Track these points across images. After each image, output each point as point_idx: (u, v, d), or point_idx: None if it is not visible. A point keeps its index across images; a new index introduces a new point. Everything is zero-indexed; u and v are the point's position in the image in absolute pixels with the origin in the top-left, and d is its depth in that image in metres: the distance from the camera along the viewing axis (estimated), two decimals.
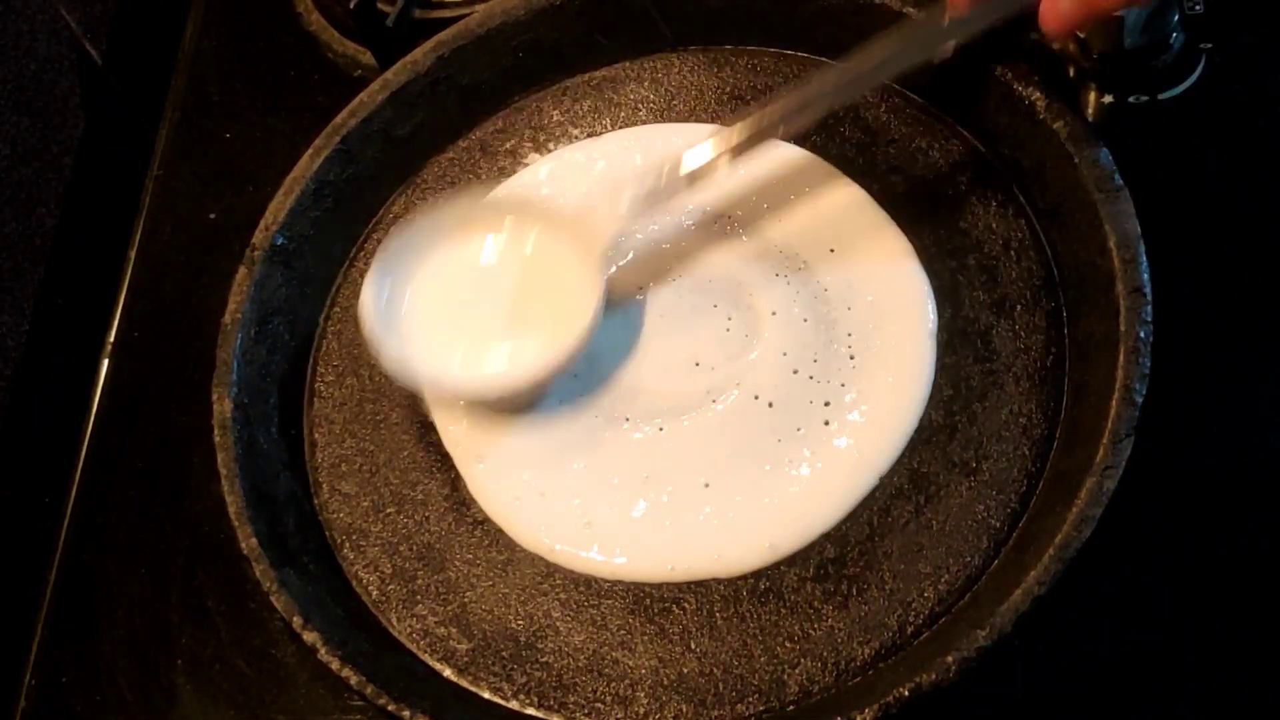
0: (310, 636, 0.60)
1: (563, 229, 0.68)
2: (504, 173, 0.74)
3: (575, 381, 0.67)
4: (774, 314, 0.67)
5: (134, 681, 0.67)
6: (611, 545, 0.63)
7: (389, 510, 0.66)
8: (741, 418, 0.65)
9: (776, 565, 0.61)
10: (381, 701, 0.58)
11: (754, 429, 0.64)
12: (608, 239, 0.67)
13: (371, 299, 0.67)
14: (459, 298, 0.68)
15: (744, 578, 0.61)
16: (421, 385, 0.67)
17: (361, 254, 0.73)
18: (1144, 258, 0.61)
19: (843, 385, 0.65)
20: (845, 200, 0.70)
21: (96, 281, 0.80)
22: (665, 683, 0.60)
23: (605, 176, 0.72)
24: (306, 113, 0.81)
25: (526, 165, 0.74)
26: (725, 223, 0.70)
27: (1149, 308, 0.60)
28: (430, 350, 0.66)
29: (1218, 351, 0.65)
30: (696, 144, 0.66)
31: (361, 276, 0.72)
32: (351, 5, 0.79)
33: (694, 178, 0.66)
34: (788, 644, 0.60)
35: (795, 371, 0.66)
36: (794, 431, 0.64)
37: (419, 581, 0.64)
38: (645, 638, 0.61)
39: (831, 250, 0.68)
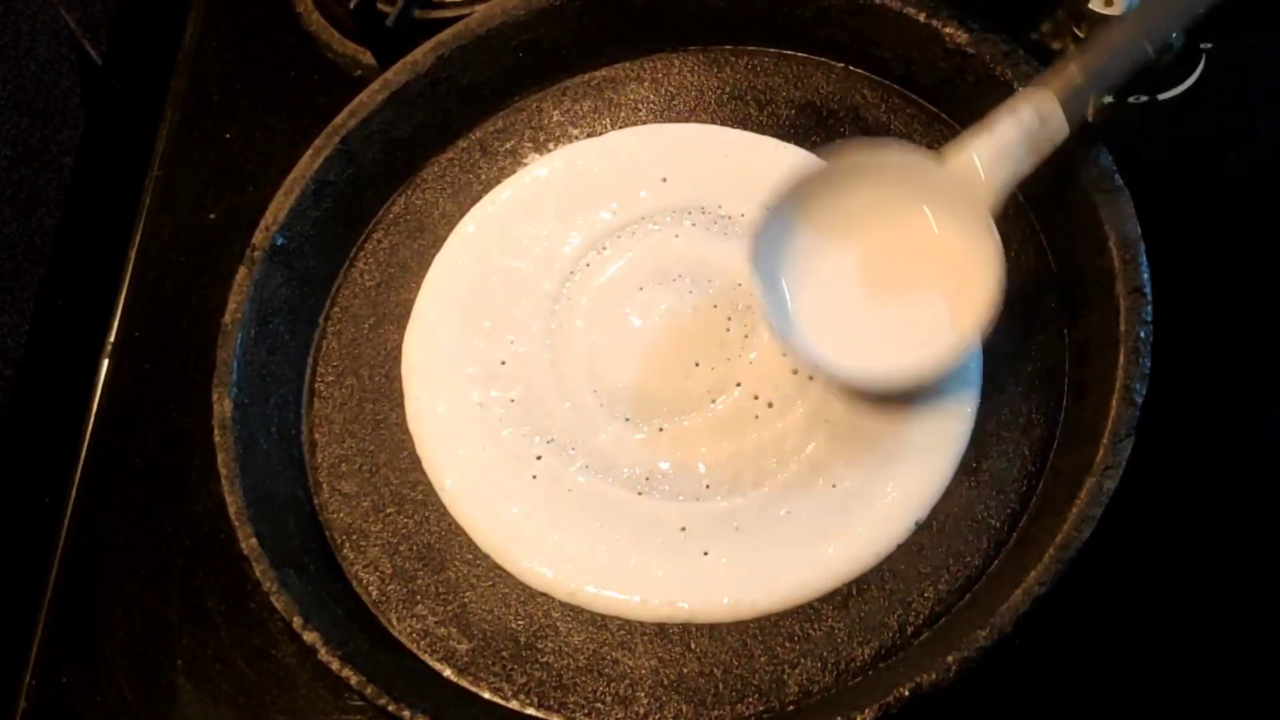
0: (310, 636, 0.60)
1: (941, 189, 0.63)
2: (504, 172, 0.74)
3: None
4: None
5: (134, 681, 0.67)
6: (612, 581, 0.62)
7: (389, 510, 0.66)
8: (741, 418, 0.65)
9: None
10: (381, 701, 0.58)
11: (754, 429, 0.64)
12: (992, 194, 0.62)
13: (763, 296, 0.63)
14: (844, 279, 0.64)
15: None
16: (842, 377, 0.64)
17: (361, 254, 0.73)
18: (1144, 258, 0.61)
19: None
20: None
21: (96, 281, 0.80)
22: (665, 683, 0.60)
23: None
24: (306, 113, 0.81)
25: (526, 165, 0.74)
26: (725, 223, 0.70)
27: (1149, 308, 0.60)
28: (838, 345, 0.63)
29: (1218, 351, 0.65)
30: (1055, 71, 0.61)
31: (361, 276, 0.73)
32: (351, 5, 0.79)
33: (1072, 119, 0.61)
34: (788, 644, 0.60)
35: (795, 372, 0.66)
36: (793, 429, 0.64)
37: (419, 581, 0.64)
38: (645, 638, 0.61)
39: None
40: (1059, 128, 0.62)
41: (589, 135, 0.75)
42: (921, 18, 0.69)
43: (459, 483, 0.66)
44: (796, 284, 0.64)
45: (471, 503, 0.65)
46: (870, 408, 0.64)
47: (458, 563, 0.64)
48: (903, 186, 0.64)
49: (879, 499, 0.62)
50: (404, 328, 0.71)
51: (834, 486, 0.63)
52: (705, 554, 0.62)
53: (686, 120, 0.74)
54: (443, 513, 0.65)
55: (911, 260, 0.64)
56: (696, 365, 0.67)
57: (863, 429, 0.64)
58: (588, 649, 0.61)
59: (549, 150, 0.75)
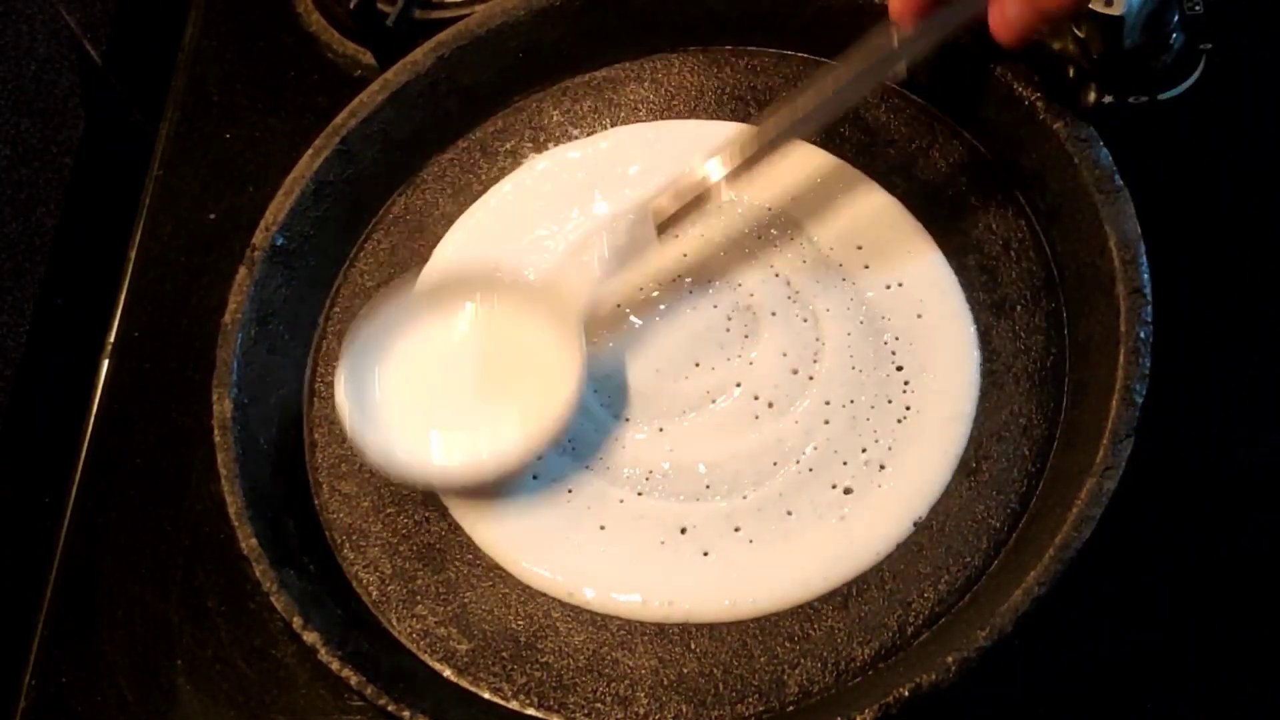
0: (310, 636, 0.60)
1: (533, 300, 0.66)
2: (504, 172, 0.74)
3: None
4: (773, 314, 0.67)
5: (134, 681, 0.67)
6: (616, 584, 0.62)
7: (389, 510, 0.66)
8: (741, 418, 0.65)
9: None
10: (381, 702, 0.58)
11: (754, 429, 0.64)
12: (581, 305, 0.65)
13: (346, 397, 0.65)
14: (435, 383, 0.66)
15: None
16: (410, 481, 0.65)
17: (361, 254, 0.73)
18: (1144, 258, 0.61)
19: (842, 385, 0.65)
20: (856, 200, 0.70)
21: (96, 281, 0.80)
22: (665, 683, 0.60)
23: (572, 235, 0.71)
24: (306, 113, 0.81)
25: (524, 163, 0.74)
26: (725, 223, 0.70)
27: (1149, 308, 0.60)
28: (413, 444, 0.64)
29: (1218, 351, 0.65)
30: (655, 192, 0.66)
31: (361, 276, 0.73)
32: (351, 5, 0.79)
33: (662, 230, 0.65)
34: (788, 644, 0.60)
35: (795, 372, 0.66)
36: (793, 429, 0.64)
37: (419, 581, 0.64)
38: (645, 638, 0.61)
39: (832, 250, 0.68)
40: (647, 238, 0.65)
41: (589, 135, 0.75)
42: None
43: None
44: (386, 384, 0.66)
45: (472, 503, 0.65)
46: (870, 407, 0.64)
47: (458, 563, 0.64)
48: (505, 301, 0.67)
49: (878, 499, 0.62)
50: None
51: (833, 487, 0.63)
52: (705, 554, 0.62)
53: (686, 120, 0.74)
54: (443, 513, 0.65)
55: (506, 367, 0.66)
56: (696, 365, 0.67)
57: (862, 429, 0.64)
58: (588, 649, 0.61)
59: (548, 150, 0.75)
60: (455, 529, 0.65)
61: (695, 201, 0.65)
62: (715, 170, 0.65)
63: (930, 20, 0.63)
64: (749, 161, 0.65)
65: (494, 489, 0.65)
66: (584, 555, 0.63)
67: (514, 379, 0.66)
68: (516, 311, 0.67)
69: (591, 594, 0.62)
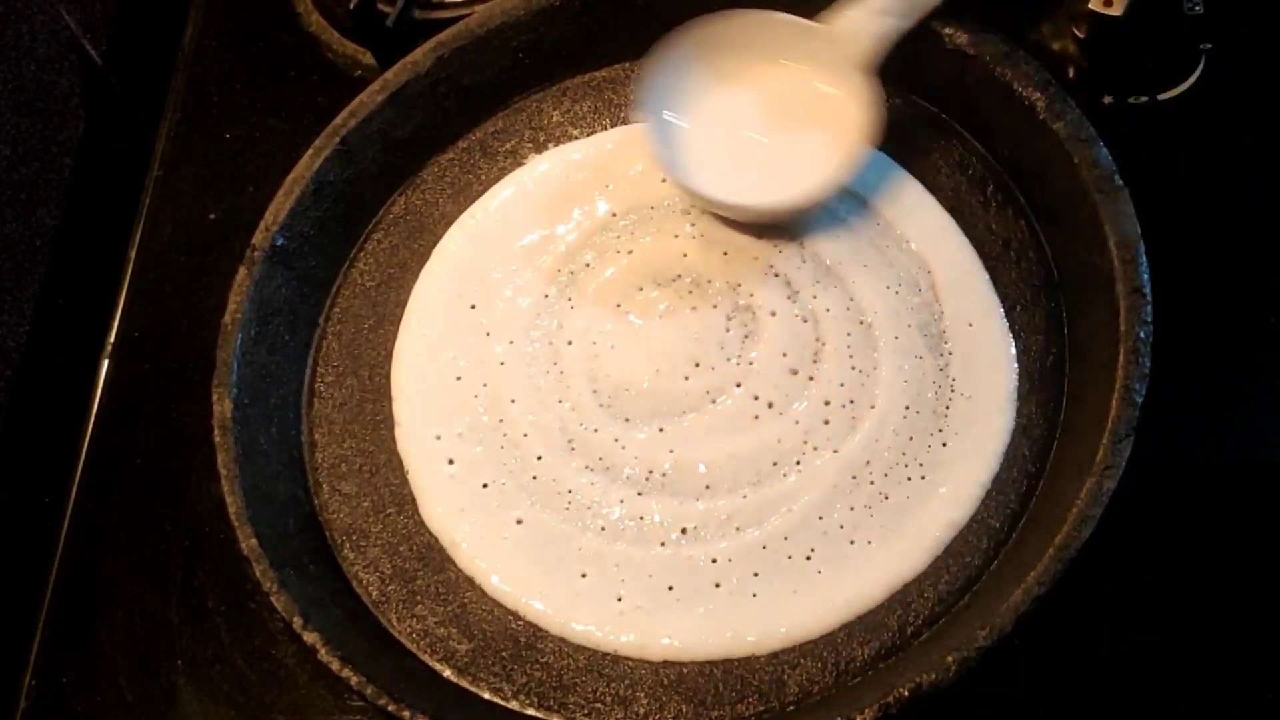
0: (310, 637, 0.60)
1: (817, 44, 0.69)
2: (504, 172, 0.74)
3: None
4: (773, 314, 0.67)
5: (134, 681, 0.67)
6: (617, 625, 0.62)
7: (389, 510, 0.66)
8: (741, 418, 0.65)
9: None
10: (381, 702, 0.58)
11: (754, 429, 0.64)
12: (864, 48, 0.67)
13: (654, 135, 0.69)
14: (731, 125, 0.70)
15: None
16: (720, 205, 0.69)
17: (361, 254, 0.73)
18: (1144, 258, 0.61)
19: (842, 385, 0.65)
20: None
21: (96, 281, 0.80)
22: (665, 683, 0.60)
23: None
24: (306, 113, 0.81)
25: (525, 164, 0.74)
26: (725, 223, 0.70)
27: (1149, 308, 0.60)
28: (722, 178, 0.68)
29: (1218, 351, 0.65)
30: None
31: (361, 276, 0.73)
32: (351, 6, 0.79)
33: None
34: (788, 644, 0.60)
35: (795, 372, 0.66)
36: (793, 430, 0.64)
37: (419, 581, 0.64)
38: None
39: (832, 250, 0.68)
40: None
41: (589, 135, 0.75)
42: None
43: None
44: (685, 122, 0.70)
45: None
46: (870, 407, 0.64)
47: (458, 563, 0.64)
48: (784, 46, 0.70)
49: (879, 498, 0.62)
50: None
51: (834, 486, 0.63)
52: (705, 554, 0.62)
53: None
54: None
55: (794, 106, 0.70)
56: (696, 365, 0.67)
57: (863, 429, 0.64)
58: (588, 649, 0.61)
59: (549, 150, 0.75)
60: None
61: None
62: None
63: None
64: None
65: (494, 490, 0.65)
66: (584, 556, 0.63)
67: (809, 115, 0.69)
68: (800, 57, 0.70)
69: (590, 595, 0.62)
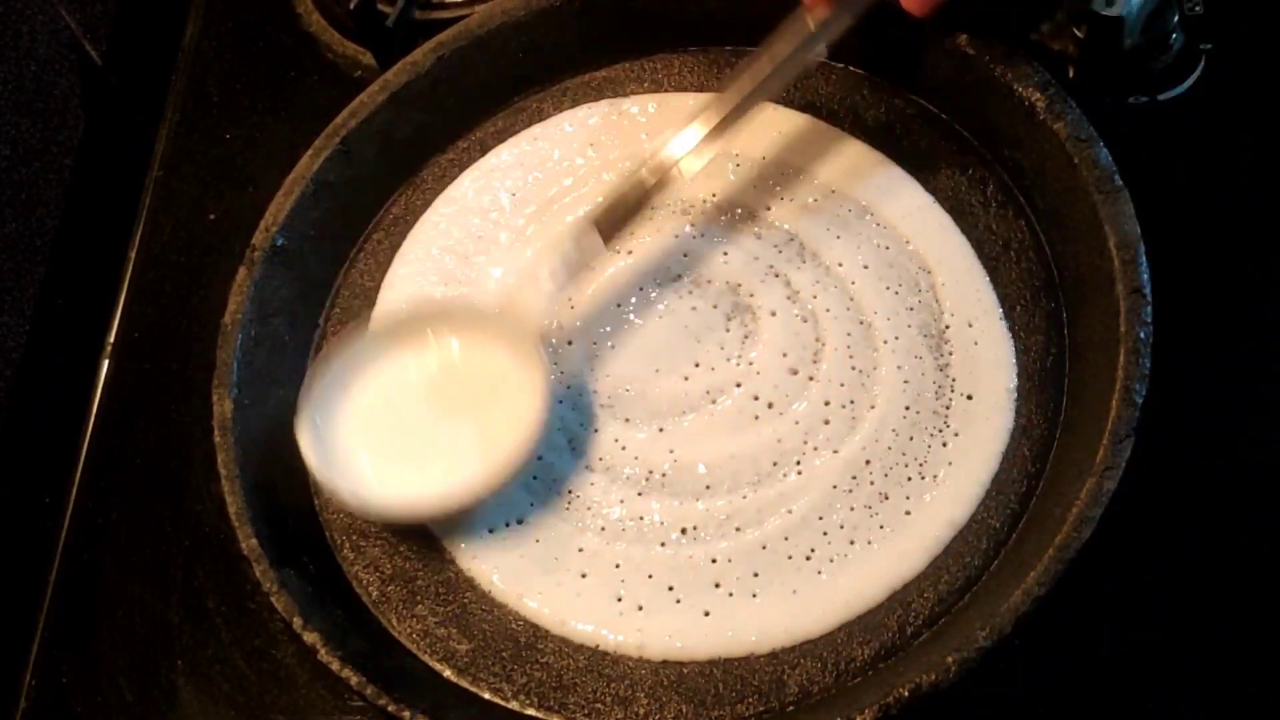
0: (310, 637, 0.60)
1: (489, 326, 0.66)
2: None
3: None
4: (773, 314, 0.67)
5: (134, 681, 0.67)
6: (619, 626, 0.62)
7: None
8: (741, 418, 0.65)
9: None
10: (381, 702, 0.58)
11: (754, 429, 0.64)
12: (537, 324, 0.66)
13: (309, 447, 0.64)
14: (399, 419, 0.65)
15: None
16: (387, 519, 0.65)
17: (361, 254, 0.73)
18: (1144, 258, 0.61)
19: (842, 385, 0.65)
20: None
21: (96, 282, 0.80)
22: (665, 683, 0.60)
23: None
24: (306, 113, 0.80)
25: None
26: (725, 223, 0.70)
27: (1149, 308, 0.60)
28: (382, 482, 0.64)
29: (1218, 351, 0.65)
30: (593, 205, 0.67)
31: (361, 276, 0.73)
32: (351, 6, 0.79)
33: (608, 237, 0.66)
34: (788, 644, 0.60)
35: (794, 372, 0.66)
36: (793, 430, 0.64)
37: (419, 581, 0.64)
38: None
39: (832, 250, 0.68)
40: (595, 247, 0.66)
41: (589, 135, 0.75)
42: None
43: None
44: (348, 428, 0.65)
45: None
46: (870, 408, 0.64)
47: (457, 563, 0.64)
48: (461, 331, 0.67)
49: (879, 498, 0.62)
50: None
51: (834, 487, 0.63)
52: (705, 554, 0.62)
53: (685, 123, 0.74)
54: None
55: (469, 396, 0.66)
56: (696, 365, 0.67)
57: (863, 430, 0.64)
58: (588, 649, 0.61)
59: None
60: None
61: (634, 206, 0.66)
62: (648, 174, 0.66)
63: (841, 2, 0.64)
64: (690, 154, 0.66)
65: (494, 491, 0.65)
66: (584, 556, 0.63)
67: (478, 406, 0.65)
68: (474, 339, 0.66)
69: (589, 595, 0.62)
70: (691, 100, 0.73)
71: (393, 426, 0.65)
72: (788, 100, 0.72)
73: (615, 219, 0.66)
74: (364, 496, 0.64)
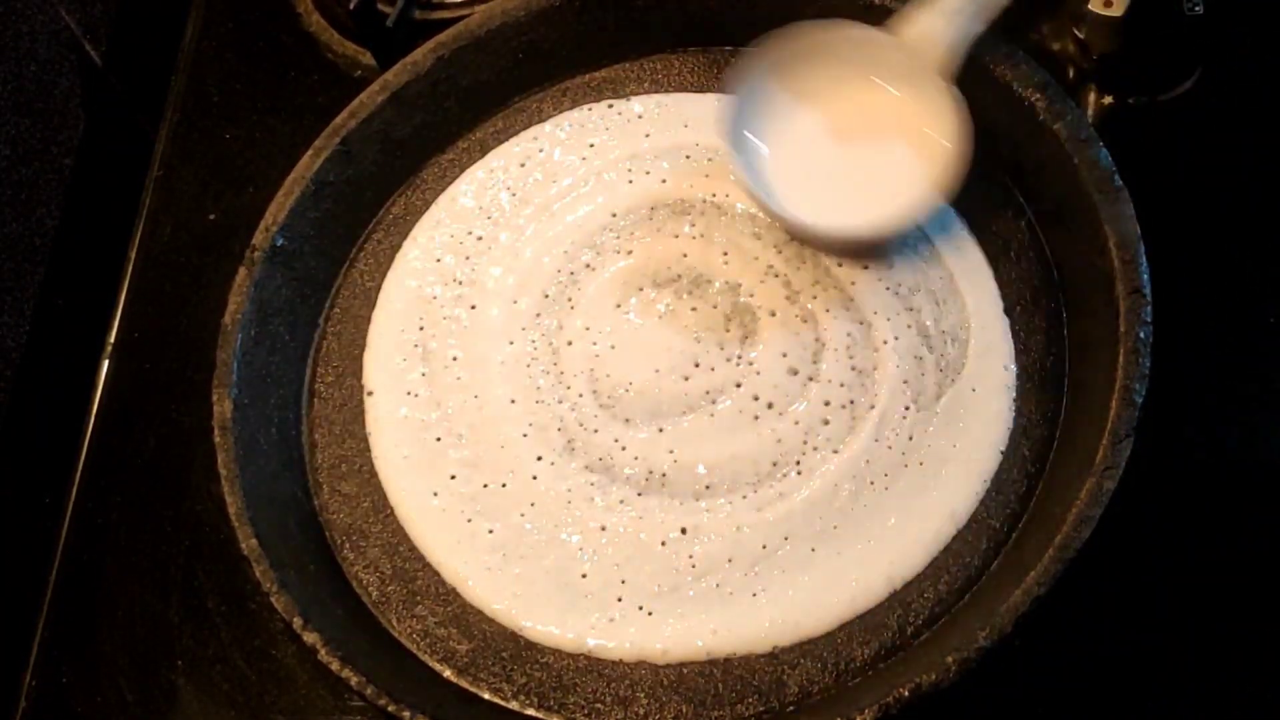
0: (310, 637, 0.60)
1: (892, 54, 0.67)
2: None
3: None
4: (773, 314, 0.67)
5: (134, 681, 0.67)
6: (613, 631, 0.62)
7: (389, 510, 0.66)
8: (741, 418, 0.65)
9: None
10: (381, 702, 0.58)
11: (754, 429, 0.64)
12: (940, 53, 0.66)
13: (738, 161, 0.67)
14: (818, 147, 0.68)
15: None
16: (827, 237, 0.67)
17: (361, 254, 0.73)
18: (1144, 259, 0.61)
19: (842, 385, 0.65)
20: None
21: (96, 282, 0.80)
22: (665, 683, 0.60)
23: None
24: (306, 113, 0.81)
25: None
26: (725, 223, 0.70)
27: (1149, 308, 0.60)
28: (816, 201, 0.67)
29: (1218, 351, 0.65)
30: None
31: (361, 276, 0.73)
32: (351, 6, 0.79)
33: None
34: (788, 644, 0.60)
35: (794, 372, 0.66)
36: (793, 430, 0.64)
37: (419, 582, 0.64)
38: None
39: (831, 250, 0.68)
40: None
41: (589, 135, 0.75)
42: None
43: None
44: (769, 145, 0.68)
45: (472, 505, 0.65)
46: (869, 408, 0.64)
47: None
48: (862, 60, 0.68)
49: (878, 498, 0.62)
50: None
51: (834, 486, 0.63)
52: (705, 554, 0.62)
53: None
54: None
55: (876, 121, 0.68)
56: (696, 365, 0.67)
57: (862, 430, 0.64)
58: (587, 649, 0.61)
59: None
60: None
61: None
62: None
63: None
64: None
65: (494, 490, 0.65)
66: (585, 556, 0.63)
67: (892, 129, 0.67)
68: (878, 70, 0.68)
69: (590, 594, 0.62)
70: (691, 99, 0.74)
71: (810, 155, 0.68)
72: None
73: None
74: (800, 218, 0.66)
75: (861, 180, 0.67)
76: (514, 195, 0.73)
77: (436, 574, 0.64)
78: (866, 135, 0.68)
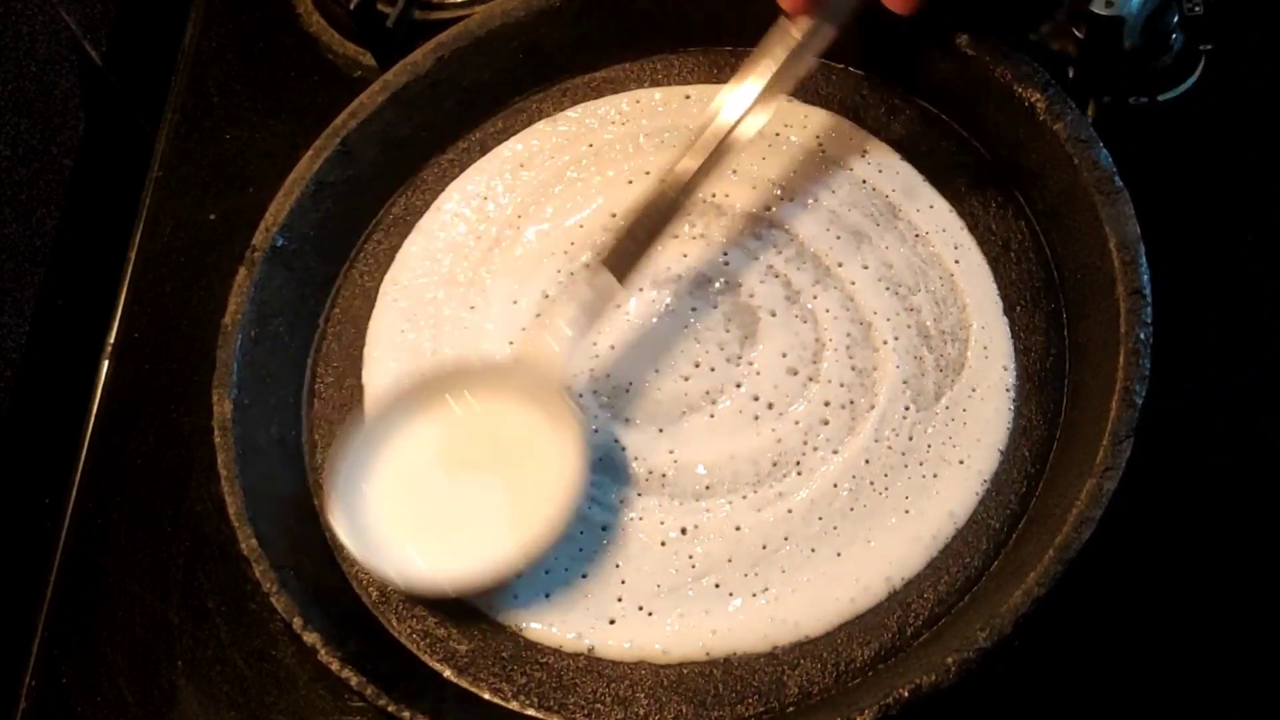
0: (310, 637, 0.60)
1: (510, 382, 0.65)
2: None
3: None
4: (773, 314, 0.67)
5: (134, 681, 0.67)
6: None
7: None
8: (741, 419, 0.65)
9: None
10: (381, 702, 0.58)
11: (754, 430, 0.64)
12: (559, 374, 0.64)
13: (345, 533, 0.62)
14: (431, 491, 0.63)
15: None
16: (440, 593, 0.63)
17: (361, 254, 0.73)
18: (1144, 259, 0.61)
19: (842, 385, 0.65)
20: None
21: (96, 282, 0.80)
22: (665, 683, 0.60)
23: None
24: (306, 113, 0.81)
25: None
26: (725, 224, 0.70)
27: (1149, 309, 0.60)
28: (427, 557, 0.62)
29: (1218, 351, 0.65)
30: (602, 243, 0.66)
31: (361, 276, 0.73)
32: (351, 6, 0.79)
33: (621, 276, 0.64)
34: (788, 644, 0.60)
35: (794, 373, 0.66)
36: (793, 430, 0.64)
37: None
38: None
39: (831, 251, 0.68)
40: (611, 287, 0.64)
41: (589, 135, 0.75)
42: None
43: None
44: (381, 506, 0.63)
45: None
46: (869, 408, 0.64)
47: None
48: (483, 388, 0.65)
49: (878, 498, 0.62)
50: None
51: (834, 486, 0.63)
52: (706, 554, 0.62)
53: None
54: None
55: (501, 457, 0.64)
56: (696, 365, 0.67)
57: (862, 430, 0.64)
58: (587, 649, 0.61)
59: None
60: None
61: (644, 242, 0.64)
62: (651, 208, 0.64)
63: (824, 9, 0.63)
64: (686, 189, 0.64)
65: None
66: (584, 556, 0.63)
67: (511, 466, 0.64)
68: (495, 398, 0.65)
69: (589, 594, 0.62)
70: (691, 94, 0.74)
71: (426, 500, 0.63)
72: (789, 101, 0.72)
73: (627, 256, 0.64)
74: (410, 576, 0.62)
75: (479, 521, 0.63)
76: (514, 195, 0.73)
77: None
78: (483, 467, 0.64)
